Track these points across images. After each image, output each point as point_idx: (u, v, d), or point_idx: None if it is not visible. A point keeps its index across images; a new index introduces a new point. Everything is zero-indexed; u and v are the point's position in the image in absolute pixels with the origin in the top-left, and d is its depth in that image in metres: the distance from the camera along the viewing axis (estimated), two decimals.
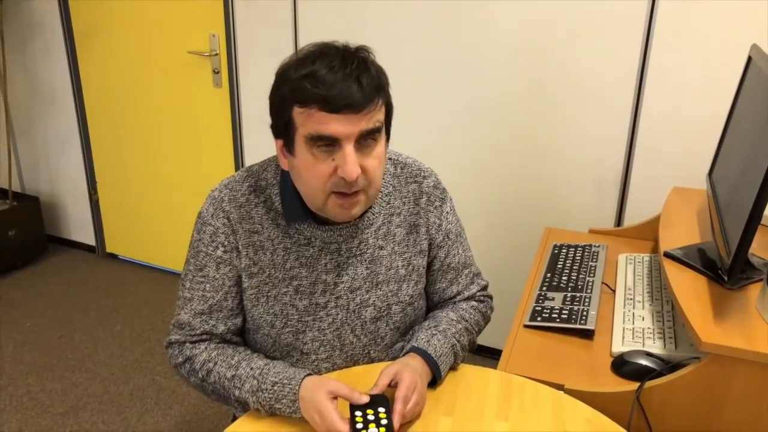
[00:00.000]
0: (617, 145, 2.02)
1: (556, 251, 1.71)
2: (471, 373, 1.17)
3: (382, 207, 1.16)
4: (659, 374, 1.16)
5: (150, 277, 3.04)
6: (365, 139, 1.00)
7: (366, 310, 1.15)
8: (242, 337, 1.21)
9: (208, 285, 1.13)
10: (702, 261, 1.34)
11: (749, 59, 1.43)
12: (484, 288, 1.31)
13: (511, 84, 2.09)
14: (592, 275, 1.56)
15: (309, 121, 0.98)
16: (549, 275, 1.59)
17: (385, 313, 1.17)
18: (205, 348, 1.13)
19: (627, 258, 1.64)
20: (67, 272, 3.07)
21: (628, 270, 1.59)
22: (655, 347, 1.27)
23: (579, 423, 1.04)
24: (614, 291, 1.52)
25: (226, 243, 1.12)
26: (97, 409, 2.16)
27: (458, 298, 1.27)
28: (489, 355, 2.30)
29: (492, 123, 2.17)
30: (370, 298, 1.15)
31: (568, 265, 1.63)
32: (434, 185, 1.21)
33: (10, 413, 2.13)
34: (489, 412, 1.07)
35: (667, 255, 1.38)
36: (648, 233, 1.81)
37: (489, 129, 2.18)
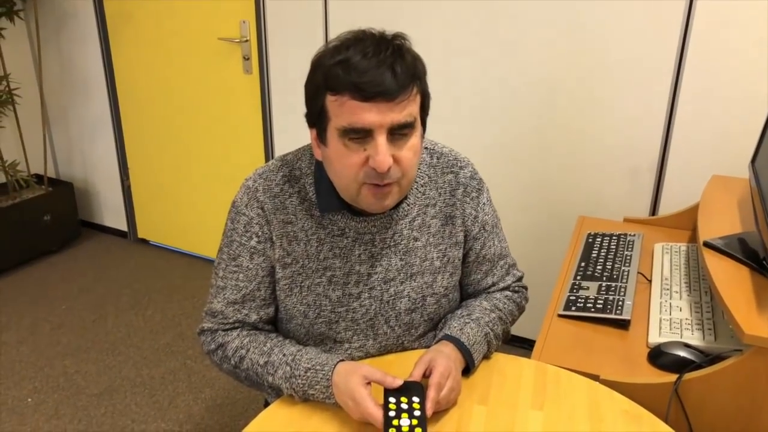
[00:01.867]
0: (653, 132, 1.97)
1: (590, 240, 1.68)
2: (505, 362, 1.16)
3: (417, 198, 1.15)
4: (698, 366, 1.14)
5: (181, 263, 3.08)
6: (398, 132, 0.98)
7: (400, 302, 1.14)
8: (274, 326, 1.21)
9: (241, 275, 1.13)
10: (743, 251, 1.30)
11: None
12: (520, 279, 1.30)
13: (545, 71, 2.05)
14: (627, 264, 1.53)
15: (341, 111, 0.96)
16: (583, 264, 1.56)
17: (420, 304, 1.16)
18: (237, 335, 1.13)
19: (663, 247, 1.61)
20: (100, 257, 3.13)
21: (665, 259, 1.56)
22: (694, 338, 1.24)
23: (615, 413, 1.03)
24: (650, 281, 1.49)
25: (260, 233, 1.11)
26: (130, 392, 2.19)
27: (493, 289, 1.25)
28: (521, 345, 2.28)
29: (526, 110, 2.13)
30: (404, 290, 1.14)
31: (603, 254, 1.60)
32: (471, 176, 1.19)
33: (47, 393, 2.18)
34: (524, 401, 1.06)
35: (706, 245, 1.34)
36: (685, 222, 1.77)
37: (523, 116, 2.14)
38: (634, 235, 1.68)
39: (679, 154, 1.96)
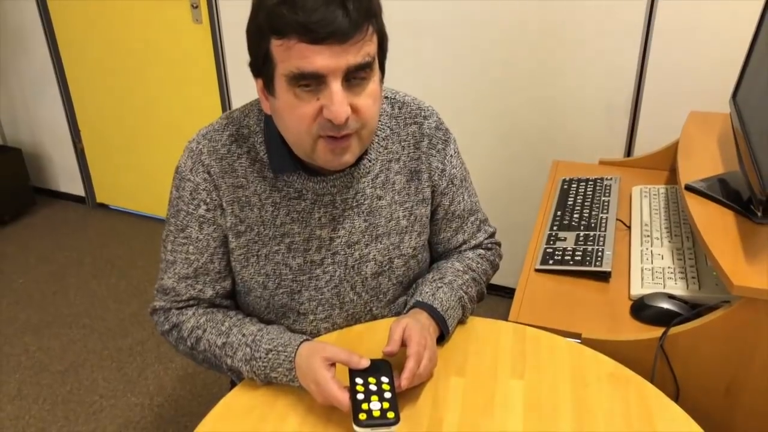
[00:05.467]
0: (627, 67, 1.87)
1: (565, 186, 1.61)
2: (481, 327, 1.09)
3: (380, 153, 1.05)
4: (684, 319, 1.08)
5: (143, 227, 2.95)
6: (355, 76, 0.87)
7: (366, 266, 1.06)
8: (233, 300, 1.12)
9: (191, 247, 1.03)
10: (726, 193, 1.24)
11: None
12: (492, 235, 1.22)
13: (513, 8, 1.93)
14: (605, 211, 1.46)
15: (288, 55, 0.85)
16: (559, 213, 1.49)
17: (387, 267, 1.07)
18: (193, 313, 1.04)
19: (642, 190, 1.54)
20: (58, 225, 2.98)
21: (644, 204, 1.49)
22: (677, 288, 1.18)
23: (600, 377, 0.97)
24: (629, 227, 1.43)
25: (208, 200, 1.01)
26: (97, 366, 2.11)
27: (464, 247, 1.17)
28: (497, 293, 2.24)
29: (493, 52, 2.01)
30: (369, 253, 1.05)
31: (579, 201, 1.53)
32: (436, 126, 1.09)
33: (8, 373, 2.08)
34: (503, 370, 0.99)
35: (688, 188, 1.27)
36: (662, 162, 1.70)
37: (491, 59, 2.03)
38: (611, 179, 1.60)
39: (655, 89, 1.87)
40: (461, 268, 1.12)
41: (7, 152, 3.01)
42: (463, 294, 1.08)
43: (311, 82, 0.86)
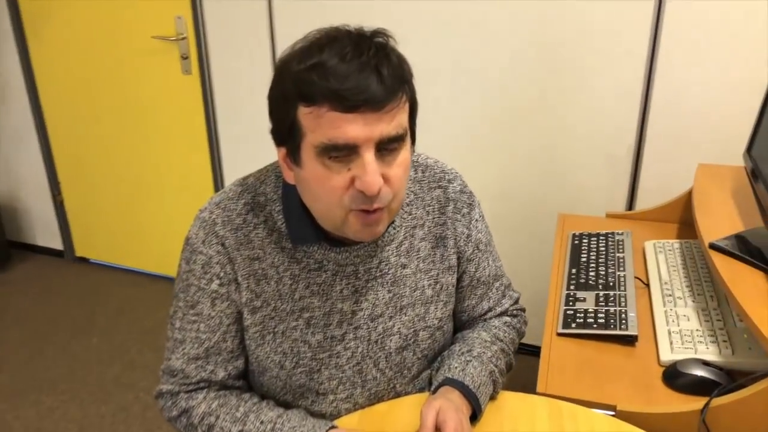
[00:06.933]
0: (629, 120, 1.86)
1: (576, 242, 1.56)
2: (514, 402, 1.02)
3: (404, 219, 0.99)
4: (724, 389, 1.02)
5: (125, 281, 2.83)
6: (387, 146, 0.82)
7: (390, 340, 0.98)
8: (245, 380, 1.03)
9: (202, 324, 0.94)
10: (750, 252, 1.20)
11: None
12: (517, 301, 1.16)
13: (515, 59, 1.92)
14: (621, 269, 1.42)
15: (318, 124, 0.79)
16: (574, 271, 1.43)
17: (412, 340, 1.00)
18: (204, 397, 0.96)
19: (655, 245, 1.50)
20: (35, 281, 2.85)
21: (660, 260, 1.45)
22: (710, 353, 1.13)
23: None
24: (647, 285, 1.38)
25: (221, 274, 0.93)
26: None
27: (489, 314, 1.11)
28: (521, 350, 2.13)
29: (492, 109, 1.99)
30: (394, 326, 0.98)
31: (593, 257, 1.48)
32: (461, 190, 1.04)
33: None
34: None
35: (713, 247, 1.23)
36: (670, 215, 1.67)
37: (490, 115, 2.01)
38: (622, 234, 1.56)
39: (656, 142, 1.86)
40: (489, 339, 1.05)
41: None
42: (494, 368, 1.01)
43: (343, 152, 0.80)
